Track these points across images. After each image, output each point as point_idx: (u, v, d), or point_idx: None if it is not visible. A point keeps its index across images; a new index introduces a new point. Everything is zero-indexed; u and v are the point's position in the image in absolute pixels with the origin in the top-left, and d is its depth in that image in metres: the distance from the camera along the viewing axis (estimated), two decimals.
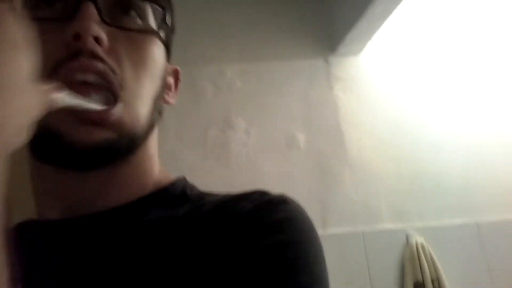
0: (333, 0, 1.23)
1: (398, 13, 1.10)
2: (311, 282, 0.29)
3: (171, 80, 0.41)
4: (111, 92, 0.32)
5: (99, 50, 0.31)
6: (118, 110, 0.32)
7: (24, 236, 0.33)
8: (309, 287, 0.28)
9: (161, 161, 0.40)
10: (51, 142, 0.30)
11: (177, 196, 0.36)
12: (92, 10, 0.31)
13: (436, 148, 1.21)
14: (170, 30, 0.39)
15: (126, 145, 0.33)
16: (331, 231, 1.06)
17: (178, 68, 0.42)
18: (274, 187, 0.35)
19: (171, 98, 0.41)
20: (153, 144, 0.39)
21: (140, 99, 0.34)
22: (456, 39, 1.32)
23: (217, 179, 1.01)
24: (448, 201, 1.17)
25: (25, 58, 0.20)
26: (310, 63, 1.20)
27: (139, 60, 0.34)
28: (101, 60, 0.31)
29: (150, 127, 0.36)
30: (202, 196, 0.36)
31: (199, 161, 1.04)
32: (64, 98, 0.26)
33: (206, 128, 1.09)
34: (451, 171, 1.19)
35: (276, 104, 1.15)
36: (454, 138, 1.23)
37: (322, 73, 1.20)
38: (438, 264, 1.09)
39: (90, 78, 0.31)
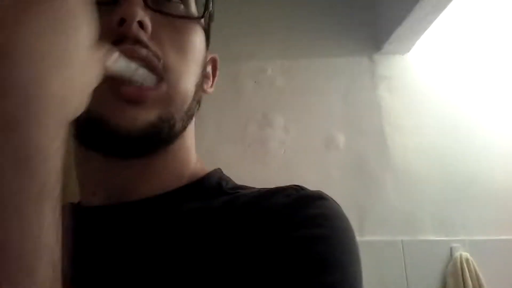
0: None
1: (449, 10, 1.04)
2: (341, 281, 0.27)
3: (209, 68, 0.41)
4: (155, 74, 0.32)
5: (143, 36, 0.32)
6: (163, 87, 0.32)
7: (67, 220, 0.34)
8: (338, 286, 0.27)
9: (199, 155, 0.40)
10: (95, 128, 0.30)
11: (212, 188, 0.36)
12: None
13: (486, 156, 1.13)
14: (210, 18, 0.39)
15: (167, 130, 0.33)
16: (368, 238, 1.02)
17: (217, 56, 0.42)
18: (310, 188, 0.33)
19: (209, 87, 0.41)
20: (190, 135, 0.39)
21: (183, 81, 0.34)
22: (510, 38, 1.22)
23: (253, 175, 1.00)
24: (498, 214, 1.09)
25: (84, 27, 0.21)
26: (353, 61, 1.16)
27: (182, 45, 0.34)
28: (145, 45, 0.32)
29: (189, 115, 0.36)
30: (237, 189, 0.36)
31: (237, 157, 1.03)
32: (117, 62, 0.26)
33: (245, 124, 1.08)
34: (502, 181, 1.11)
35: (317, 103, 1.12)
36: (507, 145, 1.14)
37: (366, 72, 1.16)
38: (484, 281, 1.01)
39: (136, 62, 0.31)
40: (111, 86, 0.29)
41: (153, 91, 0.32)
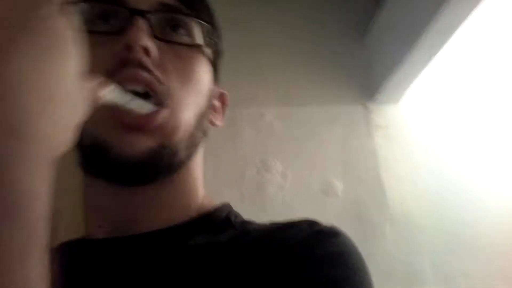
0: (372, 47, 1.24)
1: (438, 60, 1.09)
2: None
3: (217, 102, 0.42)
4: (157, 100, 0.33)
5: (147, 61, 0.33)
6: (163, 115, 0.33)
7: (70, 256, 0.33)
8: None
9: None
10: (98, 155, 0.30)
11: (221, 222, 0.36)
12: (143, 24, 0.33)
13: (481, 204, 1.12)
14: (217, 52, 0.40)
15: (168, 156, 0.33)
16: None
17: (226, 92, 0.43)
18: None
19: (217, 120, 0.42)
20: (197, 166, 0.39)
21: (185, 109, 0.35)
22: (501, 87, 1.27)
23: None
24: (498, 263, 1.06)
25: (73, 56, 0.20)
26: (349, 109, 1.19)
27: (186, 74, 0.35)
28: (148, 70, 0.32)
29: (193, 144, 0.37)
30: (246, 224, 0.36)
31: (235, 202, 1.01)
32: (111, 94, 0.26)
33: (243, 169, 1.09)
34: (502, 230, 1.09)
35: (314, 149, 1.13)
36: (501, 193, 1.14)
37: (361, 120, 1.19)
38: None
39: (138, 88, 0.32)
40: (112, 114, 0.30)
41: (154, 118, 0.32)
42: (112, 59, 0.32)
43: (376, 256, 1.02)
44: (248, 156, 1.10)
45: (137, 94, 0.31)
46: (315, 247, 0.30)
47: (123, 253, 0.33)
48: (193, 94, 0.36)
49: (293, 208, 1.06)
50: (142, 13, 0.33)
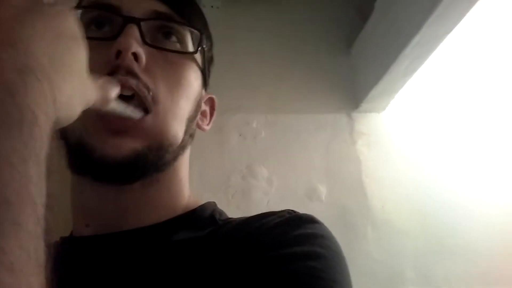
0: (358, 58, 1.28)
1: (421, 72, 1.13)
2: None
3: (205, 107, 0.43)
4: (143, 106, 0.34)
5: (136, 67, 0.34)
6: (148, 119, 0.34)
7: (57, 254, 0.34)
8: None
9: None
10: (83, 155, 0.31)
11: (205, 219, 0.37)
12: (134, 31, 0.35)
13: (461, 208, 1.16)
14: (207, 58, 0.42)
15: (154, 158, 0.35)
16: None
17: (214, 97, 0.45)
18: None
19: (205, 125, 0.43)
20: (183, 167, 0.40)
21: (172, 114, 0.36)
22: (483, 99, 1.32)
23: None
24: (479, 267, 1.10)
25: (82, 50, 0.22)
26: (333, 118, 1.22)
27: (174, 79, 0.37)
28: (136, 76, 0.34)
29: (180, 147, 0.38)
30: (229, 220, 0.37)
31: (221, 207, 1.03)
32: (114, 98, 0.27)
33: (229, 175, 1.11)
34: (482, 233, 1.13)
35: (299, 156, 1.16)
36: (484, 197, 1.18)
37: (345, 128, 1.22)
38: None
39: (127, 92, 0.33)
40: (100, 118, 0.31)
41: (139, 121, 0.33)
42: (104, 65, 0.33)
43: (358, 258, 1.05)
44: (234, 162, 1.12)
45: (124, 97, 0.33)
46: (291, 229, 0.31)
47: (107, 250, 0.33)
48: (181, 99, 0.37)
49: None
50: (135, 21, 0.34)
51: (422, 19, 0.93)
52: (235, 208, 1.06)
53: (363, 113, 1.25)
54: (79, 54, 0.22)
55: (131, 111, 0.32)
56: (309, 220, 0.33)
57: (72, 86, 0.21)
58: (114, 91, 0.27)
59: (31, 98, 0.17)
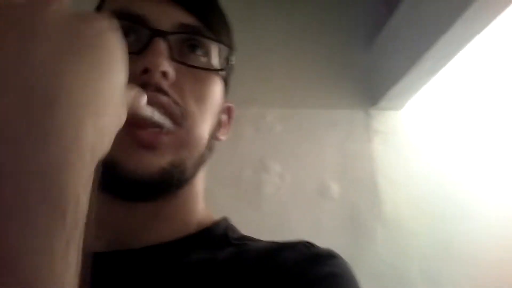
0: (379, 55, 1.24)
1: (444, 72, 1.10)
2: None
3: (224, 117, 0.42)
4: (173, 121, 0.33)
5: (165, 84, 0.33)
6: (182, 132, 0.33)
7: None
8: None
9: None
10: (107, 170, 0.31)
11: (219, 238, 0.36)
12: (162, 46, 0.33)
13: (474, 213, 1.14)
14: (230, 70, 0.41)
15: (178, 176, 0.34)
16: None
17: (233, 106, 0.44)
18: (302, 235, 0.34)
19: (222, 134, 0.42)
20: (200, 181, 0.39)
21: (199, 129, 0.35)
22: (503, 103, 1.28)
23: (246, 220, 0.99)
24: (487, 272, 1.07)
25: (121, 75, 0.21)
26: (350, 114, 1.20)
27: (202, 96, 0.36)
28: (165, 93, 0.33)
29: (201, 161, 0.37)
30: (244, 241, 0.36)
31: (231, 201, 1.04)
32: (143, 106, 0.26)
33: (241, 169, 1.10)
34: (491, 239, 1.11)
35: (313, 152, 1.15)
36: (494, 204, 1.15)
37: (361, 125, 1.20)
38: None
39: (155, 109, 0.32)
40: (127, 130, 0.30)
41: (168, 136, 0.32)
42: (131, 80, 0.32)
43: (366, 258, 1.04)
44: (247, 156, 1.11)
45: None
46: (310, 269, 0.30)
47: (119, 268, 0.33)
48: (207, 114, 0.36)
49: (289, 208, 1.08)
50: (162, 34, 0.33)
51: (452, 18, 0.90)
52: (246, 203, 1.06)
53: (381, 110, 1.22)
54: (120, 82, 0.21)
55: (158, 117, 0.31)
56: (328, 257, 0.32)
57: (110, 118, 0.20)
58: (144, 100, 0.26)
59: (72, 176, 0.17)
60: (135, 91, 0.25)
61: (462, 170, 1.19)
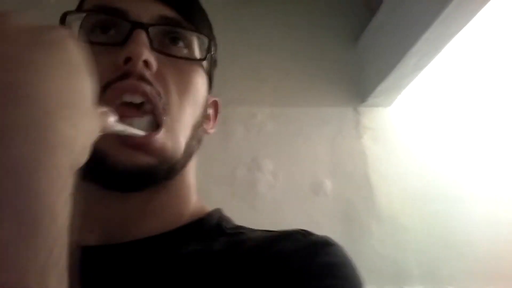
0: (365, 52, 1.26)
1: (431, 67, 1.11)
2: None
3: (211, 111, 0.43)
4: (154, 116, 0.33)
5: (148, 74, 0.33)
6: (160, 136, 0.33)
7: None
8: None
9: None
10: (96, 162, 0.30)
11: (213, 229, 0.36)
12: (143, 37, 0.33)
13: (467, 205, 1.15)
14: (212, 63, 0.41)
15: (166, 171, 0.34)
16: None
17: (219, 100, 0.44)
18: None
19: (210, 128, 0.42)
20: (191, 173, 0.39)
21: (182, 125, 0.35)
22: (490, 97, 1.30)
23: (241, 219, 0.99)
24: (483, 263, 1.09)
25: (86, 82, 0.21)
26: (339, 112, 1.21)
27: (184, 86, 0.36)
28: (149, 83, 0.33)
29: (189, 154, 0.37)
30: (238, 231, 0.36)
31: (226, 200, 1.03)
32: (114, 123, 0.26)
33: (234, 168, 1.10)
34: (486, 231, 1.12)
35: (304, 149, 1.15)
36: (490, 194, 1.17)
37: (351, 122, 1.21)
38: None
39: (137, 99, 0.32)
40: (116, 135, 0.30)
41: (154, 138, 0.32)
42: (113, 70, 0.32)
43: (362, 254, 1.05)
44: (240, 155, 1.11)
45: (133, 105, 0.32)
46: (309, 258, 0.30)
47: (112, 262, 0.32)
48: (190, 106, 0.36)
49: (283, 206, 1.08)
50: (143, 26, 0.33)
51: (433, 16, 0.91)
52: (240, 201, 1.06)
53: (370, 107, 1.23)
54: (87, 86, 0.21)
55: (132, 130, 0.31)
56: (325, 245, 0.32)
57: (83, 118, 0.20)
58: (113, 117, 0.26)
59: (42, 176, 0.16)
60: (103, 109, 0.25)
61: (452, 164, 1.21)
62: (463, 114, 1.28)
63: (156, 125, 0.33)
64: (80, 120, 0.20)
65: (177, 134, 0.35)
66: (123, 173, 0.32)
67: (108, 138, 0.27)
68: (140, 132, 0.32)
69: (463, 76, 1.31)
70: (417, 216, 1.12)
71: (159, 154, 0.33)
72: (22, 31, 0.19)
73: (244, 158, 1.11)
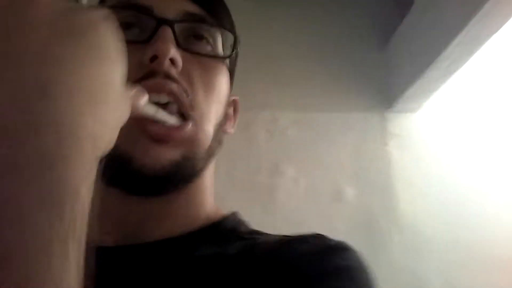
0: (394, 57, 1.23)
1: (460, 74, 1.07)
2: None
3: (230, 110, 0.42)
4: (181, 113, 0.33)
5: (174, 72, 0.33)
6: (189, 127, 0.33)
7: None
8: None
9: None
10: (119, 165, 0.30)
11: (229, 232, 0.36)
12: (169, 34, 0.33)
13: (495, 219, 1.10)
14: (234, 60, 0.40)
15: (189, 169, 0.34)
16: None
17: (237, 99, 0.43)
18: None
19: (229, 127, 0.42)
20: (209, 175, 0.39)
21: (209, 121, 0.35)
22: None
23: (260, 225, 0.99)
24: (506, 280, 1.04)
25: (117, 68, 0.21)
26: (364, 117, 1.18)
27: (209, 84, 0.36)
28: (175, 80, 0.33)
29: (210, 154, 0.36)
30: (254, 235, 0.35)
31: (245, 205, 1.02)
32: (145, 106, 0.26)
33: (255, 173, 1.10)
34: (508, 245, 1.07)
35: (327, 155, 1.13)
36: (510, 211, 1.12)
37: (376, 128, 1.18)
38: None
39: (163, 99, 0.32)
40: (138, 124, 0.30)
41: (179, 130, 0.32)
42: (139, 68, 0.32)
43: (382, 265, 1.02)
44: (261, 160, 1.11)
45: (159, 105, 0.32)
46: (324, 261, 0.29)
47: (128, 263, 0.32)
48: (215, 104, 0.36)
49: (303, 213, 1.07)
50: (168, 23, 0.33)
51: (466, 18, 0.88)
52: (260, 207, 1.06)
53: (396, 113, 1.20)
54: (117, 73, 0.21)
55: (162, 115, 0.31)
56: (340, 249, 0.31)
57: (110, 108, 0.20)
58: (144, 98, 0.26)
59: (69, 166, 0.17)
60: (135, 90, 0.25)
61: (481, 175, 1.16)
62: (493, 121, 1.22)
63: (184, 120, 0.33)
64: (108, 113, 0.20)
65: (204, 128, 0.34)
66: (147, 177, 0.32)
67: (129, 132, 0.27)
68: (170, 118, 0.32)
69: (495, 81, 1.26)
70: (441, 228, 1.09)
71: (184, 146, 0.33)
72: (53, 15, 0.18)
73: (265, 164, 1.11)
